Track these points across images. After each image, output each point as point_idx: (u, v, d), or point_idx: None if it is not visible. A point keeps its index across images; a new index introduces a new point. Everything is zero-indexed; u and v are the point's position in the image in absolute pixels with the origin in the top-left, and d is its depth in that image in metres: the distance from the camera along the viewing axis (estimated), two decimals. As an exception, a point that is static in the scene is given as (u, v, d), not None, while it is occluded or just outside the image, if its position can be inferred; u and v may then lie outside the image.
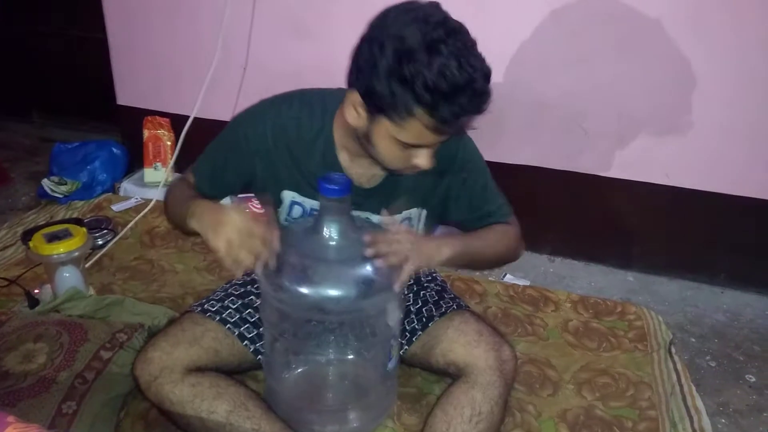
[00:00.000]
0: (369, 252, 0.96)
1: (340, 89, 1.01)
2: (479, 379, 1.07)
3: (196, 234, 1.04)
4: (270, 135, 1.08)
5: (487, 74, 0.89)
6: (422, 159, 0.98)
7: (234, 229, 0.92)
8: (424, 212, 1.18)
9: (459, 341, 1.14)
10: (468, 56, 0.87)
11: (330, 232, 0.98)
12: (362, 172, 1.10)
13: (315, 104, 1.09)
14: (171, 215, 1.16)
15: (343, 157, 1.09)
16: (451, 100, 0.87)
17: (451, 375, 1.16)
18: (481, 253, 1.14)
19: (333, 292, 0.95)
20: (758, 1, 1.60)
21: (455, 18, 0.91)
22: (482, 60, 0.89)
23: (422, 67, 0.85)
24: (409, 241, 0.99)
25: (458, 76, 0.85)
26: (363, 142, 1.00)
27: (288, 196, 1.13)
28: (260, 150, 1.09)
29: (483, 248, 1.14)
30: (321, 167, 1.08)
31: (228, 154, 1.13)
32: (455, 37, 0.87)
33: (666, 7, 1.67)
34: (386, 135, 0.95)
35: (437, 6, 0.91)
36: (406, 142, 0.94)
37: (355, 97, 0.94)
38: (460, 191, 1.17)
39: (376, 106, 0.92)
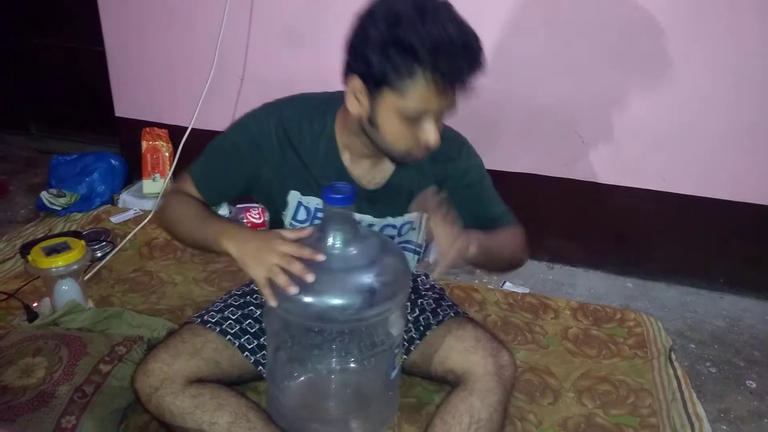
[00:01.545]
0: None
1: (340, 92, 1.02)
2: (477, 385, 1.07)
3: (211, 251, 1.05)
4: (275, 134, 1.08)
5: (478, 38, 0.91)
6: (429, 134, 0.97)
7: (278, 256, 0.93)
8: (426, 217, 1.17)
9: (456, 348, 1.14)
10: (459, 20, 0.89)
11: (334, 240, 0.98)
12: (364, 173, 1.11)
13: (316, 106, 1.10)
14: (177, 230, 1.13)
15: (346, 158, 1.10)
16: (450, 54, 0.87)
17: (450, 383, 1.16)
18: (499, 252, 1.12)
19: (337, 302, 0.95)
20: (756, 6, 1.61)
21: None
22: (471, 27, 0.91)
23: (417, 27, 0.86)
24: (450, 238, 0.97)
25: (453, 31, 0.87)
26: (368, 129, 0.99)
27: (294, 197, 1.13)
28: (266, 150, 1.09)
29: (501, 248, 1.13)
30: (324, 168, 1.09)
31: (233, 157, 1.11)
32: (444, 7, 0.89)
33: (661, 14, 1.68)
34: (391, 110, 0.94)
35: None
36: (412, 112, 0.93)
37: (354, 84, 0.95)
38: (463, 198, 1.16)
39: (375, 79, 0.91)
